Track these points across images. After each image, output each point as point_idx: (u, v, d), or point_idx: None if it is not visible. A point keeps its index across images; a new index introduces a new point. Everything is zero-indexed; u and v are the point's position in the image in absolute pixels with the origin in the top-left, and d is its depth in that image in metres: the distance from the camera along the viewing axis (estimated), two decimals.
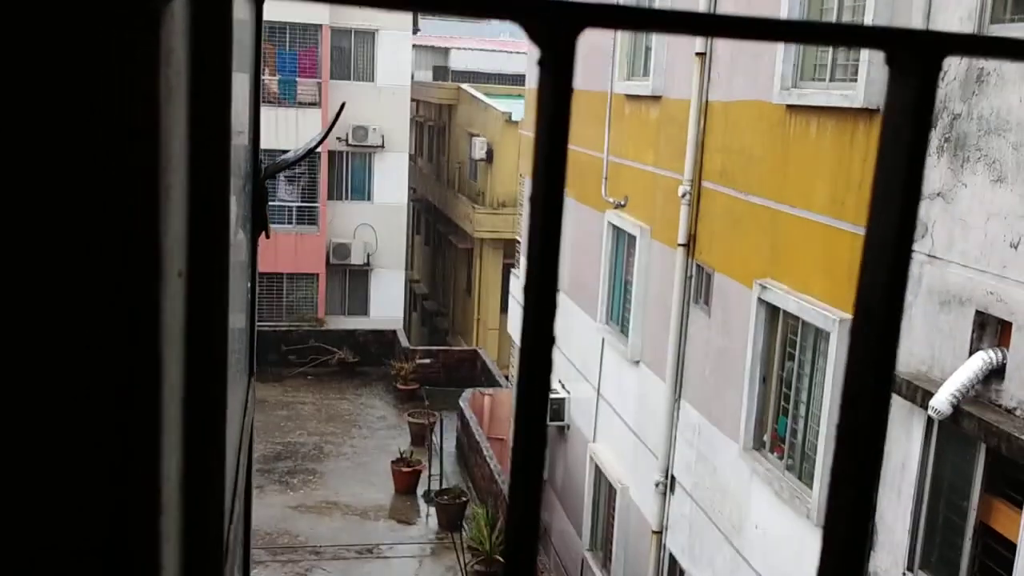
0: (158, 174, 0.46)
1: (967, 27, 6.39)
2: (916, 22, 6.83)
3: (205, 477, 0.68)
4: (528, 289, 0.35)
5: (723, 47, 10.08)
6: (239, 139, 1.13)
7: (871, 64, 7.35)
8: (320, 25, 25.17)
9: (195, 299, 0.57)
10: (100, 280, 0.47)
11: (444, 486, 17.05)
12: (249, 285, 1.40)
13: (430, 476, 17.27)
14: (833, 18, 8.19)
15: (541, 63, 0.36)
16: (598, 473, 13.28)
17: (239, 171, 1.08)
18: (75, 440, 0.51)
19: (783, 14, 8.64)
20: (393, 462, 17.66)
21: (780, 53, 8.65)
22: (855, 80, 7.66)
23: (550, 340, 0.41)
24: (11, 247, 0.46)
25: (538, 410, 0.43)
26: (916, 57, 0.37)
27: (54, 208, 0.46)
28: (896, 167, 0.37)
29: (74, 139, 0.45)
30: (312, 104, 25.17)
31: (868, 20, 7.39)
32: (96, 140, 0.46)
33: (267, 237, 1.57)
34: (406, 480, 17.40)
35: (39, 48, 0.44)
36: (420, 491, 17.42)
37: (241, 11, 1.26)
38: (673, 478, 11.00)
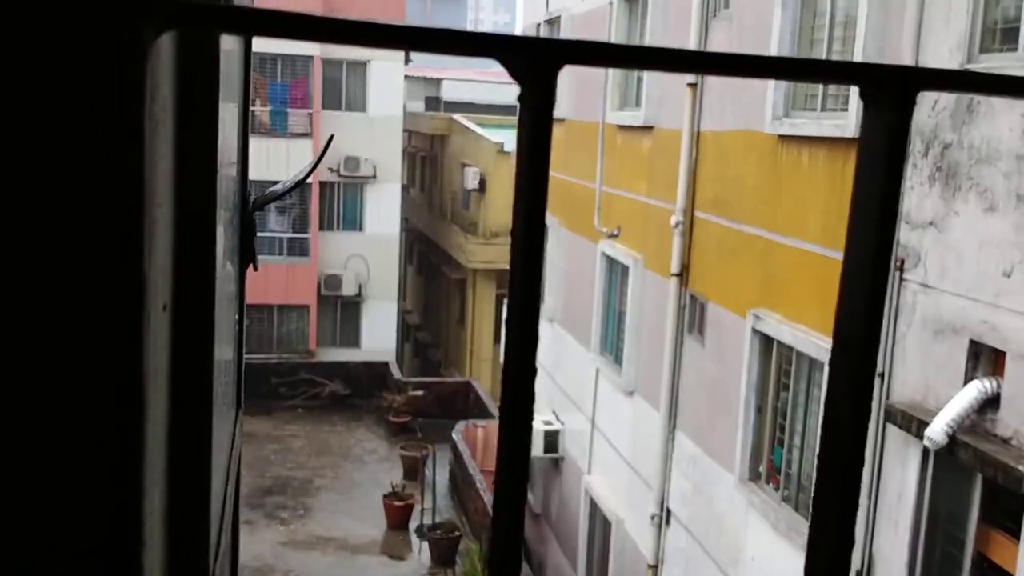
0: (143, 208, 0.46)
1: (956, 57, 6.46)
2: (906, 51, 6.91)
3: (190, 512, 0.67)
4: (509, 338, 0.36)
5: (715, 77, 10.17)
6: (227, 170, 1.14)
7: None
8: (312, 56, 25.34)
9: (181, 333, 0.57)
10: (83, 314, 0.47)
11: (437, 520, 16.91)
12: (237, 317, 1.40)
13: (423, 510, 17.13)
14: (824, 48, 8.28)
15: (521, 99, 0.37)
16: (593, 506, 13.20)
17: (227, 203, 1.08)
18: (56, 475, 0.50)
19: (773, 44, 8.73)
20: (385, 496, 17.51)
21: (771, 83, 8.72)
22: (846, 110, 7.73)
23: (532, 370, 0.41)
24: None
25: (521, 424, 0.43)
26: (890, 92, 0.37)
27: (36, 242, 0.47)
28: (870, 201, 0.38)
29: (59, 173, 0.46)
30: (303, 135, 25.27)
31: (858, 49, 7.47)
32: (80, 174, 0.46)
33: (255, 269, 1.57)
34: (398, 514, 17.24)
35: (23, 84, 0.44)
36: (413, 526, 17.27)
37: (229, 42, 1.27)
38: (669, 510, 10.94)
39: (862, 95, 0.39)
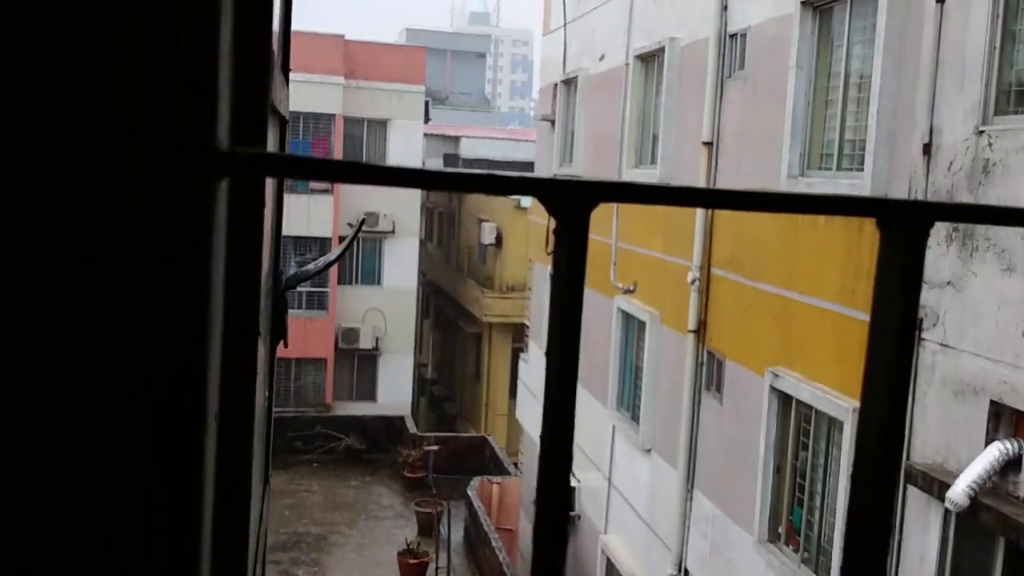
0: (208, 328, 0.49)
1: (971, 119, 6.51)
2: (920, 113, 6.96)
3: None
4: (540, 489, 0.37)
5: (730, 136, 10.26)
6: (263, 252, 1.16)
7: (877, 155, 7.47)
8: (333, 115, 25.74)
9: (223, 440, 0.59)
10: (146, 432, 0.50)
11: None
12: (267, 394, 1.42)
13: (437, 568, 16.94)
14: (838, 109, 8.34)
15: (557, 233, 0.39)
16: (610, 566, 13.02)
17: (262, 285, 1.11)
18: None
19: (788, 104, 8.81)
20: (399, 553, 17.33)
21: (787, 142, 8.79)
22: (861, 169, 7.77)
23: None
24: (71, 416, 0.49)
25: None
26: (905, 225, 0.39)
27: (108, 359, 0.49)
28: (888, 324, 0.40)
29: (141, 303, 0.49)
30: (324, 191, 25.55)
31: (872, 112, 7.53)
32: (154, 301, 0.49)
33: (285, 346, 1.60)
34: (413, 572, 17.05)
35: (108, 236, 0.47)
36: None
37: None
38: (687, 571, 10.77)
39: (879, 225, 0.41)
